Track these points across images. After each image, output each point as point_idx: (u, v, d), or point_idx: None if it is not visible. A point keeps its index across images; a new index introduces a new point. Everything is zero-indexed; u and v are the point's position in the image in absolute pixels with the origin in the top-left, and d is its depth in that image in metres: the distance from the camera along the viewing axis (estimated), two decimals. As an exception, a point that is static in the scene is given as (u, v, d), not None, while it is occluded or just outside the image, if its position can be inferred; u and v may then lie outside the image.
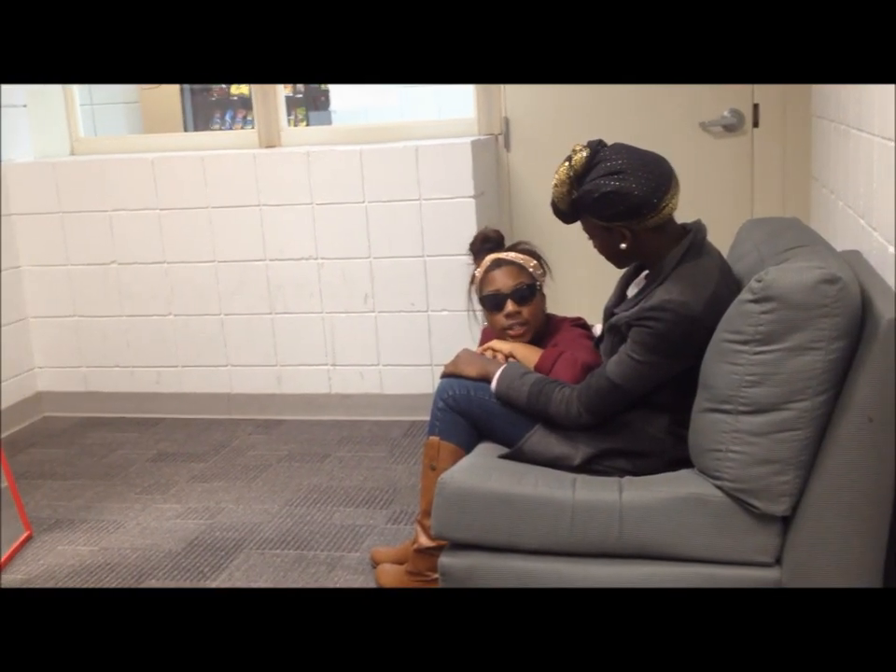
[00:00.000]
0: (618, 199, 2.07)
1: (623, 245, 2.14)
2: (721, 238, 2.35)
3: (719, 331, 1.97)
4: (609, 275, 2.42)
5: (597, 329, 2.50)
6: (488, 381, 2.33)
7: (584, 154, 2.11)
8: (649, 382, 2.10)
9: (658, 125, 3.83)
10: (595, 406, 2.14)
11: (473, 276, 2.62)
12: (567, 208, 2.18)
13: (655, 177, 2.07)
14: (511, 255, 2.56)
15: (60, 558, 2.94)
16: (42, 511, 3.28)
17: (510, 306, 2.50)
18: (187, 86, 5.89)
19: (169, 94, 5.69)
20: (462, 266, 2.96)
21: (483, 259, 2.59)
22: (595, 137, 2.17)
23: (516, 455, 2.22)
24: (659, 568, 1.99)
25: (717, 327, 1.98)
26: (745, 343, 1.88)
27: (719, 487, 1.96)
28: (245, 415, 4.11)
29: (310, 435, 3.87)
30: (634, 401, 2.14)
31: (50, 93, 4.29)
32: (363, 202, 3.82)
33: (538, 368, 2.35)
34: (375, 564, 2.72)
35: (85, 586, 2.75)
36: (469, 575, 2.09)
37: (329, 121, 6.19)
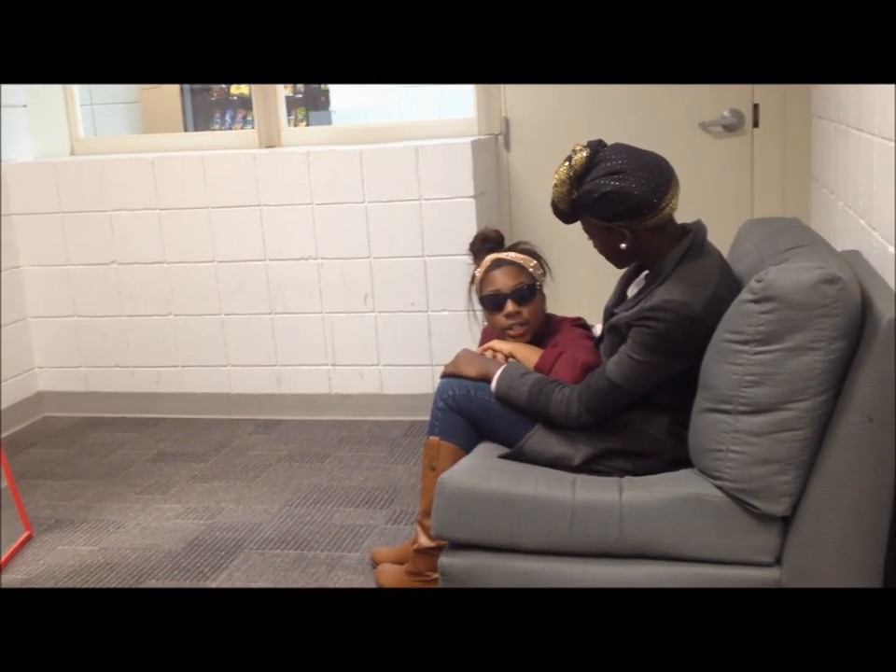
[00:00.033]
0: (618, 199, 2.07)
1: (623, 245, 2.14)
2: (721, 238, 2.35)
3: (719, 331, 1.97)
4: (609, 275, 2.42)
5: (597, 329, 2.50)
6: (488, 381, 2.33)
7: (584, 154, 2.11)
8: (649, 382, 2.10)
9: (658, 125, 3.83)
10: (594, 406, 2.14)
11: (473, 276, 2.62)
12: (567, 208, 2.18)
13: (655, 177, 2.07)
14: (511, 255, 2.56)
15: (60, 558, 2.94)
16: (42, 510, 3.28)
17: (510, 306, 2.50)
18: (187, 86, 5.89)
19: (169, 94, 5.69)
20: (462, 266, 2.96)
21: (483, 258, 2.59)
22: (595, 137, 2.17)
23: (516, 456, 2.22)
24: (659, 568, 1.99)
25: (717, 327, 1.98)
26: (745, 343, 1.88)
27: (719, 487, 1.96)
28: (245, 415, 4.11)
29: (310, 435, 3.87)
30: (634, 401, 2.14)
31: (51, 93, 4.30)
32: (363, 202, 3.82)
33: (538, 368, 2.35)
34: (375, 564, 2.72)
35: (85, 586, 2.75)
36: (468, 575, 2.09)
37: (328, 121, 6.19)
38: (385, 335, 3.92)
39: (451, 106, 4.88)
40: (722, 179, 3.86)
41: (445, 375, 2.44)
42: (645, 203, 2.06)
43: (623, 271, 2.35)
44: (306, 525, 3.07)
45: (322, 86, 6.18)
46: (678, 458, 2.10)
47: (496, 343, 2.49)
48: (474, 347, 2.57)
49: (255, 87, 4.15)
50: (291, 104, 5.84)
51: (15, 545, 2.98)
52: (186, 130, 5.81)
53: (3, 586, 2.76)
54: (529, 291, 2.52)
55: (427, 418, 2.45)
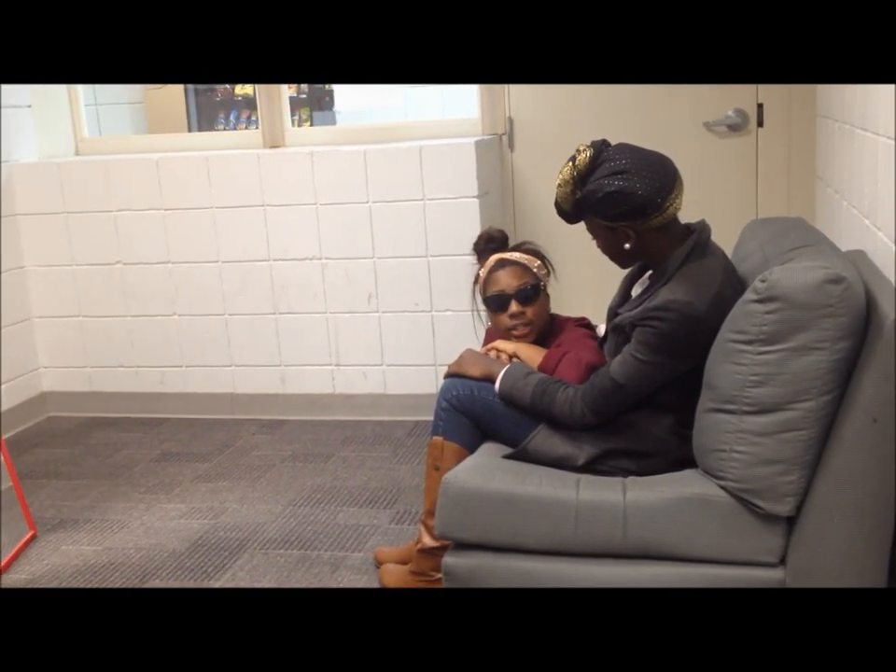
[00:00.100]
0: (622, 199, 2.06)
1: (627, 245, 2.14)
2: (725, 238, 2.35)
3: (723, 331, 1.97)
4: (612, 275, 2.42)
5: (601, 329, 2.50)
6: (492, 381, 2.33)
7: (588, 154, 2.11)
8: (653, 382, 2.10)
9: (662, 125, 3.82)
10: (598, 406, 2.14)
11: (477, 276, 2.62)
12: (571, 208, 2.18)
13: (659, 177, 2.07)
14: (516, 255, 2.56)
15: (64, 558, 2.94)
16: (46, 510, 3.29)
17: (514, 307, 2.50)
18: (191, 86, 5.90)
19: (173, 95, 5.70)
20: (466, 266, 2.96)
21: (487, 258, 2.59)
22: (598, 137, 2.17)
23: (520, 455, 2.21)
24: (663, 569, 1.99)
25: (721, 327, 1.98)
26: (749, 342, 1.88)
27: (723, 487, 1.96)
28: (249, 415, 4.11)
29: (313, 435, 3.87)
30: (638, 401, 2.13)
31: (55, 94, 4.30)
32: (367, 202, 3.82)
33: (541, 368, 2.35)
34: (379, 564, 2.72)
35: (89, 586, 2.75)
36: (472, 575, 2.09)
37: (333, 121, 6.19)
38: (388, 335, 3.92)
39: (455, 106, 4.89)
40: (727, 179, 3.86)
41: (449, 375, 2.44)
42: (649, 202, 2.06)
43: (626, 271, 2.35)
44: (310, 524, 3.07)
45: (326, 86, 6.19)
46: (681, 458, 2.10)
47: (499, 343, 2.49)
48: (478, 347, 2.57)
49: (259, 87, 4.15)
50: (295, 104, 5.85)
51: (19, 545, 2.99)
52: (190, 130, 5.82)
53: (8, 586, 2.77)
54: (533, 291, 2.52)
55: (431, 418, 2.45)
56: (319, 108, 6.29)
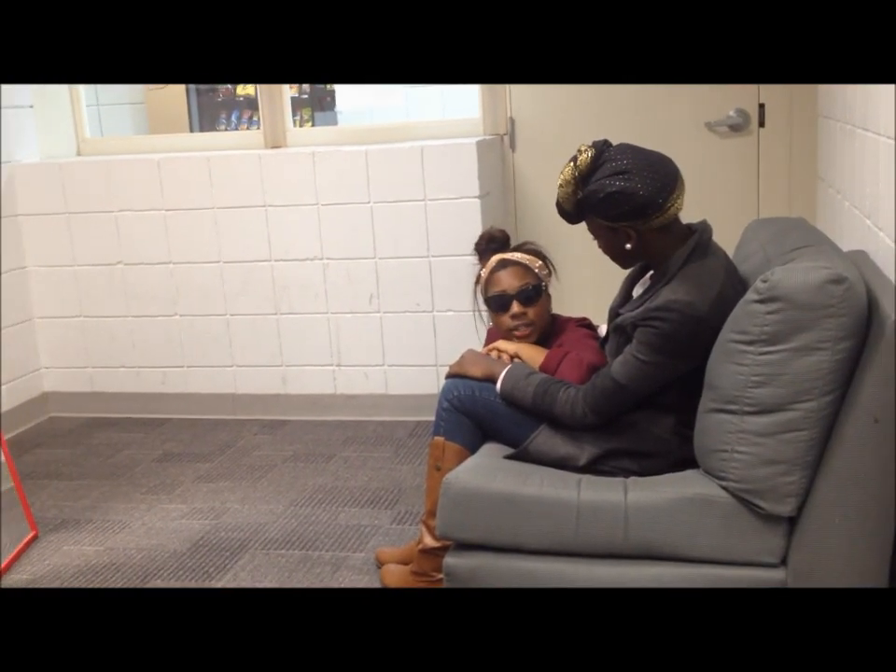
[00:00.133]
0: (623, 199, 2.06)
1: (629, 246, 2.14)
2: (726, 238, 2.35)
3: (724, 332, 1.96)
4: (614, 276, 2.42)
5: (603, 330, 2.50)
6: (493, 381, 2.33)
7: (589, 154, 2.11)
8: (654, 382, 2.10)
9: (663, 125, 3.82)
10: (600, 406, 2.14)
11: (479, 277, 2.62)
12: (572, 208, 2.18)
13: (661, 177, 2.07)
14: (517, 255, 2.56)
15: (65, 558, 2.94)
16: (48, 511, 3.29)
17: (515, 307, 2.50)
18: (192, 87, 5.90)
19: (175, 95, 5.70)
20: (467, 266, 2.96)
21: (489, 258, 2.59)
22: (600, 137, 2.17)
23: (521, 456, 2.21)
24: (664, 569, 1.99)
25: (722, 327, 1.98)
26: (750, 343, 1.88)
27: (724, 488, 1.96)
28: (251, 416, 4.11)
29: (315, 435, 3.88)
30: (639, 402, 2.13)
31: (57, 94, 4.30)
32: (368, 202, 3.82)
33: (543, 368, 2.35)
34: (380, 564, 2.72)
35: (90, 586, 2.75)
36: (473, 575, 2.09)
37: (334, 122, 6.20)
38: (390, 335, 3.92)
39: (456, 107, 4.88)
40: (728, 179, 3.86)
41: (450, 376, 2.44)
42: (650, 203, 2.06)
43: (628, 271, 2.35)
44: (311, 525, 3.07)
45: (328, 86, 6.19)
46: (683, 459, 2.10)
47: (501, 344, 2.48)
48: (479, 348, 2.57)
49: (260, 87, 4.15)
50: (297, 104, 5.85)
51: (21, 545, 2.99)
52: (191, 130, 5.82)
53: (9, 586, 2.77)
54: (535, 292, 2.51)
55: (432, 418, 2.45)
56: (321, 108, 6.29)
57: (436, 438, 2.41)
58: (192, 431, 4.00)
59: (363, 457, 3.61)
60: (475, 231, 3.31)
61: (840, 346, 1.82)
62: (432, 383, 3.84)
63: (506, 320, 2.52)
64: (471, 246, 2.69)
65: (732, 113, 3.82)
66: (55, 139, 4.30)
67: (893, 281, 1.97)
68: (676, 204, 2.10)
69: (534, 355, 2.42)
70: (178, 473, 3.56)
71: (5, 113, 4.00)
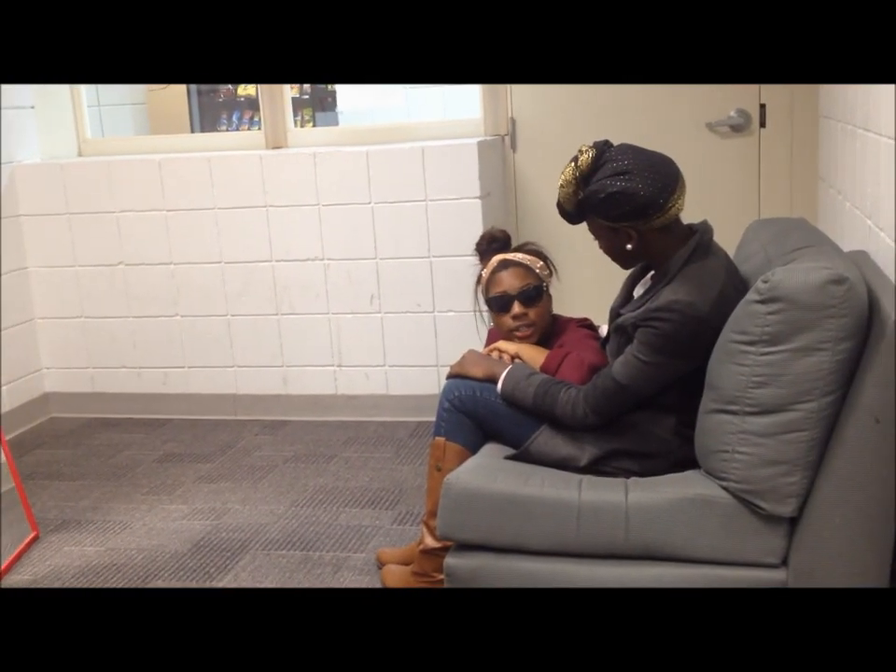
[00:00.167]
0: (624, 199, 2.06)
1: (629, 246, 2.14)
2: (727, 238, 2.35)
3: (725, 332, 1.96)
4: (615, 276, 2.42)
5: (604, 330, 2.49)
6: (494, 382, 2.33)
7: (590, 154, 2.11)
8: (655, 383, 2.10)
9: (664, 125, 3.82)
10: (601, 407, 2.14)
11: (480, 277, 2.62)
12: (573, 209, 2.18)
13: (662, 178, 2.07)
14: (518, 256, 2.56)
15: (66, 559, 2.94)
16: (49, 511, 3.29)
17: (516, 308, 2.50)
18: (193, 87, 5.90)
19: (176, 96, 5.70)
20: (468, 267, 2.96)
21: (490, 259, 2.59)
22: (601, 138, 2.17)
23: (522, 456, 2.21)
24: (665, 569, 1.99)
25: (723, 327, 1.98)
26: (751, 343, 1.88)
27: (725, 488, 1.96)
28: (252, 416, 4.11)
29: (316, 436, 3.88)
30: (640, 402, 2.13)
31: (58, 95, 4.30)
32: (369, 202, 3.82)
33: (543, 368, 2.35)
34: (381, 564, 2.72)
35: (91, 587, 2.75)
36: (474, 576, 2.09)
37: (335, 122, 6.20)
38: (391, 336, 3.92)
39: (457, 107, 4.88)
40: (729, 180, 3.86)
41: (451, 376, 2.44)
42: (651, 203, 2.06)
43: (629, 271, 2.35)
44: (312, 525, 3.07)
45: (329, 87, 6.19)
46: (684, 459, 2.10)
47: (501, 344, 2.48)
48: (480, 348, 2.57)
49: (262, 88, 4.15)
50: (298, 105, 5.85)
51: (21, 546, 2.99)
52: (192, 131, 5.82)
53: (10, 586, 2.77)
54: (536, 293, 2.51)
55: (433, 419, 2.44)
56: (322, 109, 6.29)
57: (437, 438, 2.41)
58: (193, 432, 4.00)
59: (364, 458, 3.61)
60: (476, 231, 3.30)
61: (841, 347, 1.82)
62: (433, 383, 3.84)
63: (507, 321, 2.52)
64: (472, 247, 2.69)
65: (733, 113, 3.82)
66: (56, 140, 4.30)
67: (894, 281, 1.97)
68: (677, 205, 2.10)
69: (535, 355, 2.42)
70: (179, 474, 3.56)
71: (6, 113, 4.01)
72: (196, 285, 4.05)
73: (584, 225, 2.22)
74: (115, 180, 4.04)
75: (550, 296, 2.57)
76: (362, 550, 2.87)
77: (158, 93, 5.46)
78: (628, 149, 2.12)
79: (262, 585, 2.71)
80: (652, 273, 2.21)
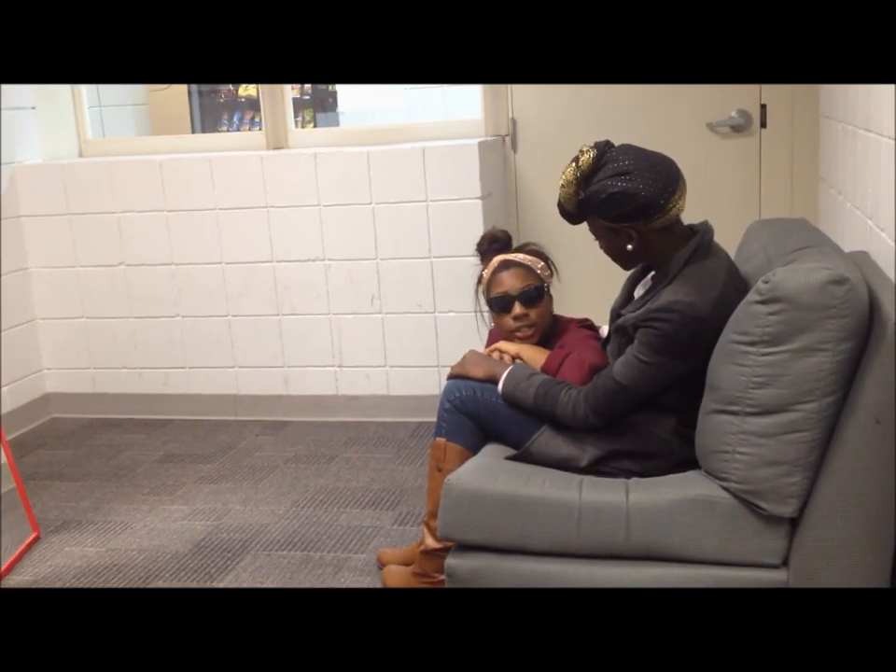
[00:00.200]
0: (625, 200, 2.06)
1: (630, 247, 2.14)
2: (728, 239, 2.35)
3: (726, 332, 1.96)
4: (615, 276, 2.42)
5: (604, 330, 2.49)
6: (495, 382, 2.33)
7: (591, 155, 2.11)
8: (655, 383, 2.10)
9: (665, 126, 3.82)
10: (601, 407, 2.14)
11: (481, 277, 2.62)
12: (574, 209, 2.18)
13: (662, 178, 2.07)
14: (519, 256, 2.56)
15: (67, 559, 2.94)
16: (50, 512, 3.29)
17: (517, 308, 2.50)
18: (194, 88, 5.90)
19: (177, 96, 5.70)
20: (469, 267, 2.96)
21: (491, 259, 2.59)
22: (602, 138, 2.17)
23: (523, 457, 2.21)
24: (665, 570, 1.98)
25: (724, 328, 1.98)
26: (752, 344, 1.88)
27: (726, 489, 1.95)
28: (252, 417, 4.12)
29: (317, 436, 3.88)
30: (641, 403, 2.13)
31: (59, 95, 4.31)
32: (370, 203, 3.82)
33: (544, 369, 2.35)
34: (382, 565, 2.72)
35: (92, 587, 2.75)
36: (475, 576, 2.08)
37: (336, 123, 6.19)
38: (391, 336, 3.92)
39: (458, 107, 4.88)
40: (730, 180, 3.86)
41: (452, 376, 2.44)
42: (652, 203, 2.06)
43: (629, 272, 2.35)
44: (313, 526, 3.07)
45: (329, 87, 6.19)
46: (684, 460, 2.10)
47: (502, 345, 2.48)
48: (481, 348, 2.57)
49: (262, 88, 4.15)
50: (299, 105, 5.85)
51: (22, 546, 2.99)
52: (193, 132, 5.83)
53: (11, 587, 2.77)
54: (537, 293, 2.51)
55: (434, 419, 2.45)
56: (322, 110, 6.29)
57: (437, 439, 2.41)
58: (194, 432, 4.00)
59: (365, 458, 3.61)
60: (477, 231, 3.31)
61: (842, 347, 1.82)
62: (434, 384, 3.84)
63: (508, 321, 2.52)
64: (473, 247, 2.69)
65: (734, 113, 3.82)
66: (57, 140, 4.30)
67: (895, 282, 1.97)
68: (677, 205, 2.10)
69: (535, 356, 2.42)
70: (180, 474, 3.56)
71: (7, 114, 4.01)
72: (197, 285, 4.05)
73: (585, 225, 2.22)
74: (116, 181, 4.04)
75: (551, 296, 2.57)
76: (363, 550, 2.87)
77: (159, 94, 5.47)
78: (629, 150, 2.12)
79: (263, 586, 2.71)
80: (653, 273, 2.21)
